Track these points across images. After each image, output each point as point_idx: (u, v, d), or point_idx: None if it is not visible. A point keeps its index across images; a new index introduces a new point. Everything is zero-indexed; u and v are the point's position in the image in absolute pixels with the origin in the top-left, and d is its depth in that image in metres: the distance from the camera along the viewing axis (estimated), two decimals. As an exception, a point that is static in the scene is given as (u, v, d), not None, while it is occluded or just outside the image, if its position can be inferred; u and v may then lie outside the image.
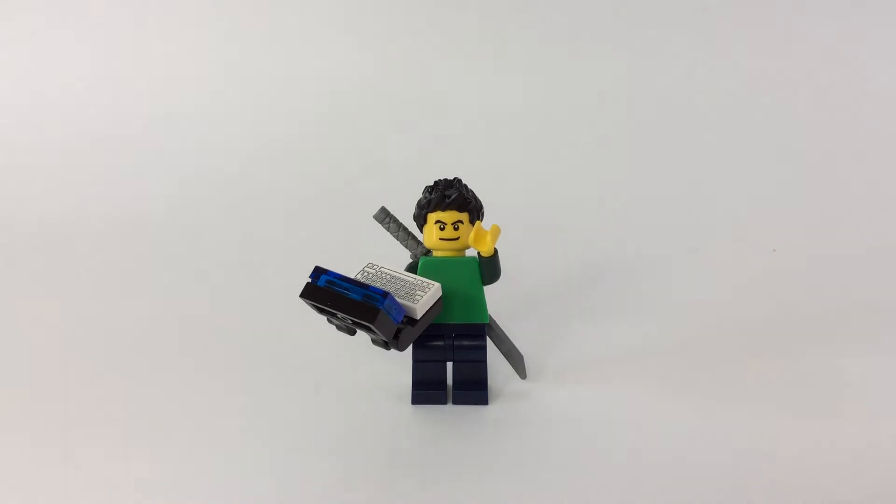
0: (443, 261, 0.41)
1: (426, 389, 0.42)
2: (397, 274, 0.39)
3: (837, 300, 0.54)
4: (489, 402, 0.42)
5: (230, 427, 0.40)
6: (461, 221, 0.41)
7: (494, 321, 0.44)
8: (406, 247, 0.43)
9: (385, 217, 0.43)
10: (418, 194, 0.42)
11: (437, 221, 0.41)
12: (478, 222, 0.41)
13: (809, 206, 0.69)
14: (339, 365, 0.46)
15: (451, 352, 0.41)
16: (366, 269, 0.40)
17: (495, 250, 0.41)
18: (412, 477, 0.36)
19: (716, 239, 0.64)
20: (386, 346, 0.39)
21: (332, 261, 0.40)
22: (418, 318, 0.38)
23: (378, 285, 0.38)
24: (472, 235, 0.40)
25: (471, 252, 0.41)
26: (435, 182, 0.42)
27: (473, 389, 0.42)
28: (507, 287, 0.44)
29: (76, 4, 0.87)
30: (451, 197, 0.40)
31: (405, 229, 0.43)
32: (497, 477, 0.36)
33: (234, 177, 0.76)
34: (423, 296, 0.38)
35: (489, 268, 0.41)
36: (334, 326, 0.40)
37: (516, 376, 0.44)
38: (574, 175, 0.75)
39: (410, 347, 0.40)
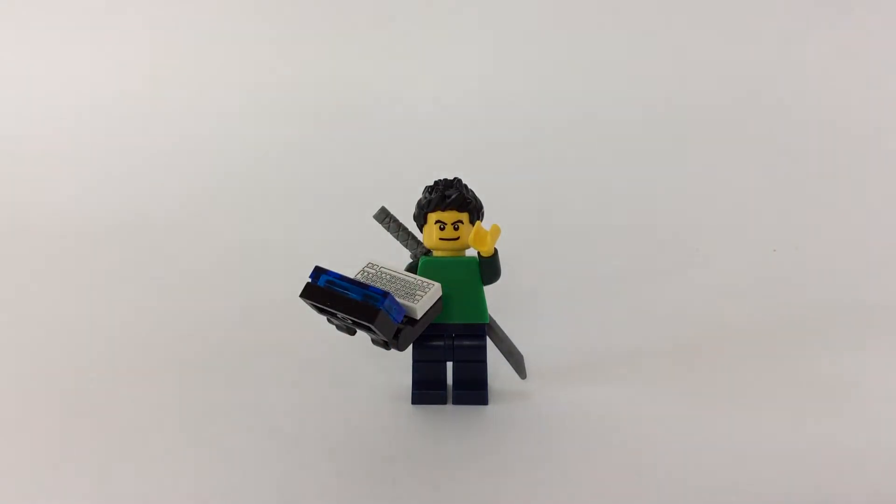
0: (443, 261, 0.41)
1: (426, 389, 0.42)
2: (397, 274, 0.39)
3: (837, 300, 0.54)
4: (489, 402, 0.42)
5: (230, 427, 0.40)
6: (461, 221, 0.41)
7: (494, 321, 0.44)
8: (406, 247, 0.43)
9: (385, 217, 0.43)
10: (418, 194, 0.42)
11: (437, 221, 0.41)
12: (478, 222, 0.41)
13: (809, 206, 0.69)
14: (339, 365, 0.46)
15: (451, 352, 0.41)
16: (366, 269, 0.40)
17: (495, 250, 0.41)
18: (412, 477, 0.36)
19: (716, 239, 0.64)
20: (386, 346, 0.39)
21: (332, 261, 0.40)
22: (418, 318, 0.38)
23: (378, 285, 0.38)
24: (472, 235, 0.40)
25: (471, 252, 0.41)
26: (435, 182, 0.42)
27: (473, 389, 0.42)
28: (507, 287, 0.44)
29: (84, 4, 0.87)
30: (450, 197, 0.40)
31: (405, 229, 0.43)
32: (497, 477, 0.36)
33: (233, 177, 0.76)
34: (423, 296, 0.38)
35: (489, 268, 0.41)
36: (334, 326, 0.40)
37: (516, 376, 0.44)
38: (574, 175, 0.75)
39: (410, 347, 0.40)
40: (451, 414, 0.41)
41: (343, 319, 0.38)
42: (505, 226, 0.40)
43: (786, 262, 0.60)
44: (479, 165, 0.70)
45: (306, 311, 0.40)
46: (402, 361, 0.43)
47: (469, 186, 0.42)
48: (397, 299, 0.37)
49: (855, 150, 0.76)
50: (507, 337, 0.44)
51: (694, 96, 0.81)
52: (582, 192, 0.73)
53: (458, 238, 0.41)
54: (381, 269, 0.40)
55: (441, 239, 0.41)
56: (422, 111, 0.82)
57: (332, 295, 0.37)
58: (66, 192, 0.75)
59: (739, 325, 0.50)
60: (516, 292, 0.54)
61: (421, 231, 0.42)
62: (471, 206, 0.41)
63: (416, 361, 0.42)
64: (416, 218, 0.42)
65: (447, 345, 0.41)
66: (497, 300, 0.44)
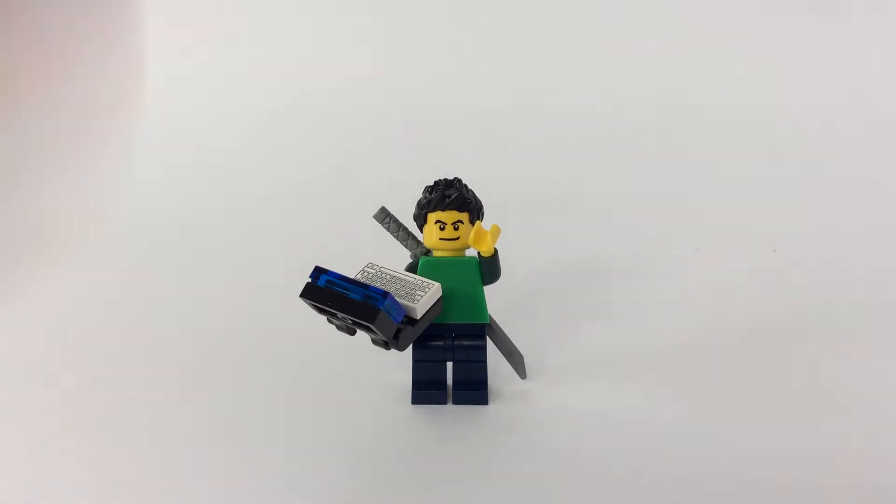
0: (443, 261, 0.41)
1: (426, 389, 0.42)
2: (397, 274, 0.39)
3: (837, 300, 0.54)
4: (489, 402, 0.42)
5: (229, 427, 0.40)
6: (461, 221, 0.41)
7: (494, 321, 0.44)
8: (406, 247, 0.43)
9: (385, 217, 0.43)
10: (418, 194, 0.42)
11: (437, 221, 0.41)
12: (478, 222, 0.41)
13: (809, 206, 0.69)
14: (339, 365, 0.46)
15: (451, 352, 0.41)
16: (366, 269, 0.40)
17: (495, 250, 0.41)
18: (412, 477, 0.36)
19: (716, 239, 0.64)
20: (386, 346, 0.39)
21: (332, 261, 0.40)
22: (418, 318, 0.38)
23: (378, 285, 0.38)
24: (472, 235, 0.40)
25: (471, 252, 0.42)
26: (435, 182, 0.42)
27: (473, 389, 0.42)
28: (507, 287, 0.44)
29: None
30: (451, 197, 0.40)
31: (405, 229, 0.43)
32: (497, 477, 0.36)
33: (233, 176, 0.76)
34: (423, 296, 0.38)
35: (489, 268, 0.41)
36: (334, 326, 0.40)
37: (516, 376, 0.44)
38: (574, 175, 0.75)
39: (410, 347, 0.40)
40: (451, 414, 0.41)
41: (343, 319, 0.38)
42: (505, 226, 0.41)
43: (785, 263, 0.60)
44: (479, 165, 0.70)
45: (306, 311, 0.40)
46: (402, 361, 0.43)
47: (469, 186, 0.42)
48: (397, 299, 0.37)
49: (855, 151, 0.76)
50: (507, 337, 0.44)
51: (694, 96, 0.81)
52: (583, 191, 0.72)
53: (458, 238, 0.41)
54: (381, 269, 0.40)
55: (441, 239, 0.41)
56: (422, 111, 0.82)
57: (332, 295, 0.37)
58: (63, 193, 0.75)
59: (739, 325, 0.50)
60: (516, 292, 0.54)
61: (421, 231, 0.42)
62: (471, 206, 0.41)
63: (416, 361, 0.42)
64: (416, 218, 0.42)
65: (447, 345, 0.41)
66: (497, 300, 0.44)
